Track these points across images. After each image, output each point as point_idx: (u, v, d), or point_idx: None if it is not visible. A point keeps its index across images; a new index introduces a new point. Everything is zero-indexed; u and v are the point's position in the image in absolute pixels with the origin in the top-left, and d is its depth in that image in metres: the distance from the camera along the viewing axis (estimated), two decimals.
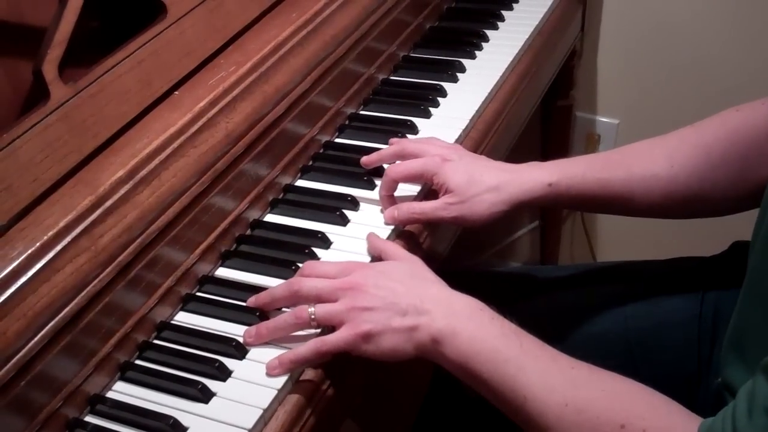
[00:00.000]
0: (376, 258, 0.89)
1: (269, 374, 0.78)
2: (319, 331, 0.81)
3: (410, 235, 0.95)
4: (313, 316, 0.79)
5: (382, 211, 0.96)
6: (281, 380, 0.78)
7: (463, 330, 0.75)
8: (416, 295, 0.78)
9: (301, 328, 0.81)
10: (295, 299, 0.82)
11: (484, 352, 0.74)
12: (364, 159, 1.00)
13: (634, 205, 0.91)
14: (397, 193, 0.97)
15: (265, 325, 0.81)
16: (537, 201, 0.91)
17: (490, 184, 0.90)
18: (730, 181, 0.87)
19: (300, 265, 0.88)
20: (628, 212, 0.93)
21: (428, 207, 0.92)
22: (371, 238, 0.90)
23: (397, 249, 0.87)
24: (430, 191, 0.97)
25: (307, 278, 0.82)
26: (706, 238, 1.13)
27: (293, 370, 0.78)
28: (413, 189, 0.98)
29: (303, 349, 0.78)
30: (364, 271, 0.81)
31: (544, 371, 0.72)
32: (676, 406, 0.69)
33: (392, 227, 0.93)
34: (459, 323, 0.75)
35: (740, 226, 0.95)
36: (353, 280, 0.80)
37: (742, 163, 0.87)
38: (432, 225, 0.97)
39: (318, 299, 0.80)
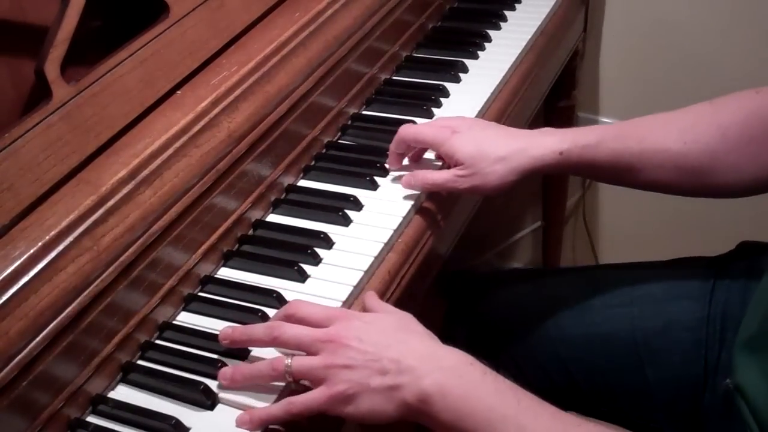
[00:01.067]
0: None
1: (239, 427, 0.74)
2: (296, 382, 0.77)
3: (413, 237, 0.95)
4: (289, 368, 0.74)
5: (395, 202, 0.96)
6: (283, 382, 0.77)
7: (453, 387, 0.70)
8: (400, 351, 0.72)
9: (277, 380, 0.76)
10: (274, 345, 0.77)
11: (479, 411, 0.69)
12: (390, 157, 1.00)
13: (644, 178, 0.90)
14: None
15: (240, 371, 0.77)
16: (547, 169, 0.91)
17: (499, 155, 0.89)
18: (744, 162, 0.86)
19: (303, 266, 0.88)
20: (637, 184, 0.92)
21: (441, 179, 0.93)
22: (368, 298, 0.84)
23: (387, 307, 0.82)
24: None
25: (289, 325, 0.77)
26: (712, 238, 1.12)
27: (263, 427, 0.74)
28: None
29: (275, 408, 0.74)
30: (349, 322, 0.76)
31: (547, 429, 0.68)
32: None
33: (395, 227, 0.93)
34: (448, 380, 0.70)
35: (747, 226, 0.95)
36: (335, 333, 0.74)
37: (757, 146, 0.86)
38: (436, 224, 0.98)
39: (297, 348, 0.75)
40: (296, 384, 0.76)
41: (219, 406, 0.77)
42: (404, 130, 0.96)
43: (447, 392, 0.70)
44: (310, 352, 0.75)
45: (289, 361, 0.74)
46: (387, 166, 1.00)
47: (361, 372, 0.72)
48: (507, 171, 0.89)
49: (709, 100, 0.90)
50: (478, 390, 0.70)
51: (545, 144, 0.90)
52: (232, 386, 0.77)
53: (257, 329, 0.78)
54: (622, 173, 0.91)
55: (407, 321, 0.78)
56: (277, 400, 0.76)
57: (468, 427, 0.69)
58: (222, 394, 0.77)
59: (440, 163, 1.00)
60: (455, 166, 0.92)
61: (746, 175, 0.87)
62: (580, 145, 0.89)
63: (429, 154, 1.02)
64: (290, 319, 0.78)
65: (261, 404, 0.76)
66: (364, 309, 0.83)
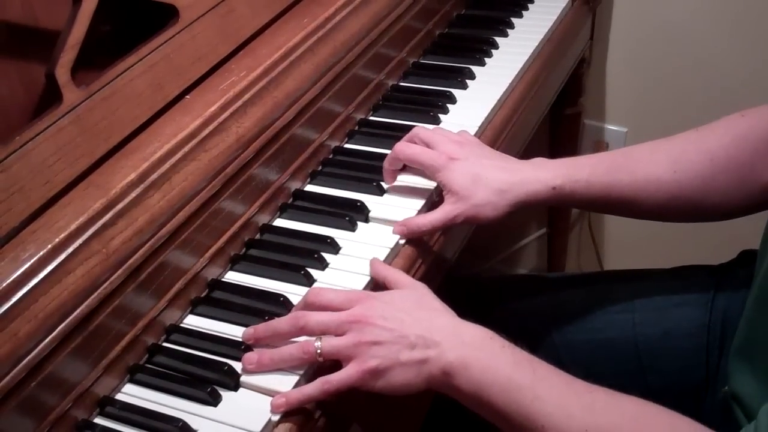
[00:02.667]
0: (380, 284, 0.87)
1: (274, 412, 0.76)
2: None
3: (419, 242, 0.95)
4: (319, 351, 0.77)
5: (401, 208, 0.96)
6: (290, 384, 0.78)
7: (475, 361, 0.73)
8: (425, 327, 0.76)
9: (308, 363, 0.78)
10: (300, 335, 0.79)
11: (498, 382, 0.72)
12: (385, 174, 0.99)
13: (638, 208, 0.91)
14: (412, 184, 0.98)
15: (269, 355, 0.79)
16: (541, 202, 0.92)
17: (494, 187, 0.90)
18: (734, 186, 0.88)
19: (310, 270, 0.89)
20: (631, 214, 0.93)
21: (436, 219, 0.92)
22: (374, 264, 0.88)
23: (401, 276, 0.85)
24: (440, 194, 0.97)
25: (313, 312, 0.79)
26: (714, 246, 1.13)
27: (299, 406, 0.76)
28: (428, 184, 0.99)
29: (309, 389, 0.76)
30: (370, 302, 0.79)
31: (561, 398, 0.71)
32: (699, 427, 0.69)
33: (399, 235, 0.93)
34: (470, 354, 0.74)
35: (749, 234, 0.96)
36: (359, 313, 0.77)
37: (745, 168, 0.87)
38: (439, 235, 0.98)
39: (324, 333, 0.78)
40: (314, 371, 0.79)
41: (225, 408, 0.77)
42: (400, 150, 0.95)
43: (468, 365, 0.73)
44: (336, 335, 0.77)
45: (319, 343, 0.77)
46: (383, 184, 0.99)
47: (390, 347, 0.75)
48: (501, 204, 0.90)
49: (695, 128, 0.91)
50: (497, 362, 0.73)
51: (539, 178, 0.90)
52: (258, 370, 0.79)
53: (280, 323, 0.80)
54: (615, 205, 0.92)
55: (425, 296, 0.81)
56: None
57: (487, 396, 0.73)
58: (228, 397, 0.78)
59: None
60: (448, 194, 0.92)
61: (736, 199, 0.89)
62: (573, 179, 0.90)
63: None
64: (311, 307, 0.81)
65: (266, 407, 0.76)
66: (376, 281, 0.87)
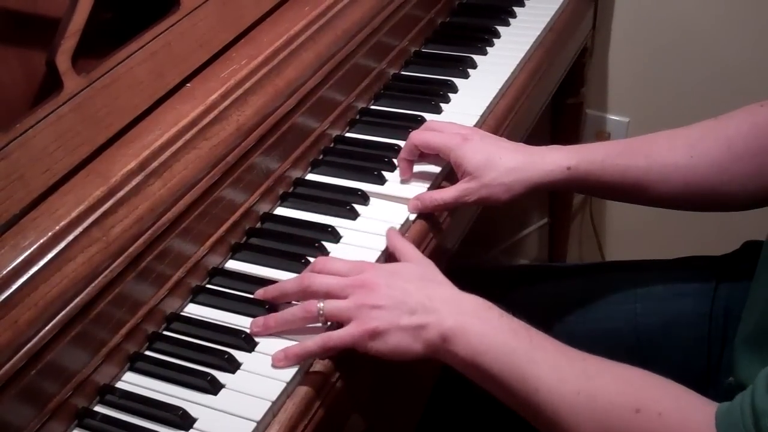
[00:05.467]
0: (390, 254, 0.89)
1: (275, 366, 0.79)
2: (327, 326, 0.81)
3: (420, 231, 0.95)
4: (321, 312, 0.79)
5: (402, 197, 0.96)
6: (290, 373, 0.78)
7: (473, 327, 0.75)
8: (425, 294, 0.78)
9: (310, 323, 0.81)
10: (306, 295, 0.82)
11: (494, 347, 0.74)
12: (401, 164, 1.00)
13: (652, 194, 0.91)
14: (417, 168, 0.98)
15: (273, 317, 0.82)
16: (555, 184, 0.92)
17: (509, 167, 0.90)
18: (750, 175, 0.88)
19: (310, 259, 0.89)
20: (645, 201, 0.93)
21: (449, 196, 0.93)
22: (391, 233, 0.90)
23: (412, 250, 0.87)
24: (450, 172, 0.98)
25: (319, 275, 0.82)
26: (717, 237, 1.12)
27: (299, 362, 0.79)
28: (435, 169, 0.99)
29: (310, 343, 0.78)
30: (376, 270, 0.81)
31: (555, 362, 0.72)
32: (690, 392, 0.70)
33: (402, 221, 0.93)
34: (468, 321, 0.75)
35: (752, 225, 0.95)
36: (364, 279, 0.80)
37: (762, 157, 0.87)
38: (443, 219, 0.98)
39: (328, 296, 0.80)
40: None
41: (226, 397, 0.77)
42: (415, 136, 0.97)
43: (466, 331, 0.75)
44: (340, 298, 0.79)
45: (322, 304, 0.79)
46: (399, 175, 1.00)
47: (391, 311, 0.76)
48: (515, 183, 0.90)
49: (713, 117, 0.91)
50: (494, 329, 0.75)
51: (553, 159, 0.91)
52: (265, 333, 0.81)
53: (288, 284, 0.83)
54: (630, 189, 0.91)
55: (430, 270, 0.83)
56: (286, 389, 0.77)
57: (484, 362, 0.74)
58: (229, 385, 0.78)
59: (437, 170, 1.00)
60: (463, 174, 0.93)
61: (752, 187, 0.88)
62: (588, 160, 0.90)
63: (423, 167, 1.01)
64: (319, 273, 0.83)
65: (266, 395, 0.76)
66: (389, 250, 0.89)
